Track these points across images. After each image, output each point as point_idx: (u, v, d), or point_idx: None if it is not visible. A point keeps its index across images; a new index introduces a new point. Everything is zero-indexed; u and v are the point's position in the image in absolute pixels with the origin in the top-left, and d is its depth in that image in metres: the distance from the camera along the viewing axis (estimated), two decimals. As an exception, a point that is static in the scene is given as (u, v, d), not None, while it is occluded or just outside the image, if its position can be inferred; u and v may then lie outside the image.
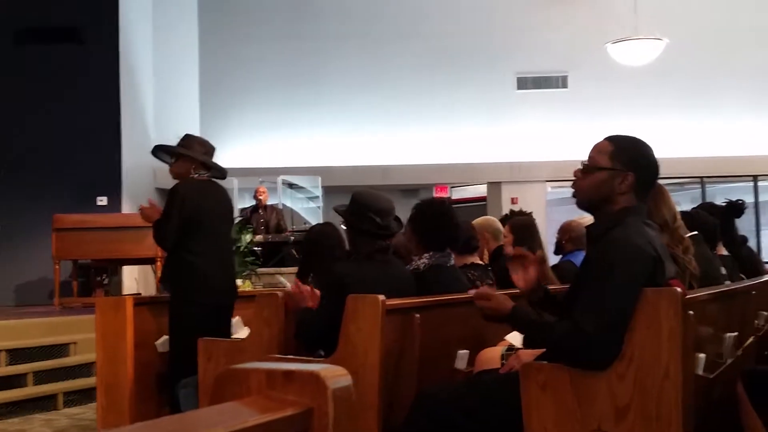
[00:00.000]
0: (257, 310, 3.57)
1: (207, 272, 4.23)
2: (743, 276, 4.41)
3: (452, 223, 3.66)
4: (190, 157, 4.35)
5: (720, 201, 5.16)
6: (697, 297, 2.58)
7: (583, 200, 2.60)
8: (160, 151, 4.51)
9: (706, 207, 5.09)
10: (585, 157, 2.61)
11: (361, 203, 3.38)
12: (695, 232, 3.70)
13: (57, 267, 8.98)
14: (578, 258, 4.32)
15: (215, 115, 12.98)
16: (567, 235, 5.14)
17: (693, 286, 3.05)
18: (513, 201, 12.43)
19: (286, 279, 5.12)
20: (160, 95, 12.17)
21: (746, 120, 13.15)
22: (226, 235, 4.63)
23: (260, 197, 10.53)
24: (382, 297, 2.92)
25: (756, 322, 3.56)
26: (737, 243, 5.00)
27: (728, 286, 3.55)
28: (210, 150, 4.46)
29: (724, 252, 4.49)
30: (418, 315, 3.03)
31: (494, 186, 13.02)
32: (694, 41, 12.82)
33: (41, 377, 6.29)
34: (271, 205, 10.83)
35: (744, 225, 5.98)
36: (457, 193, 13.74)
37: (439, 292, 3.41)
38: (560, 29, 13.07)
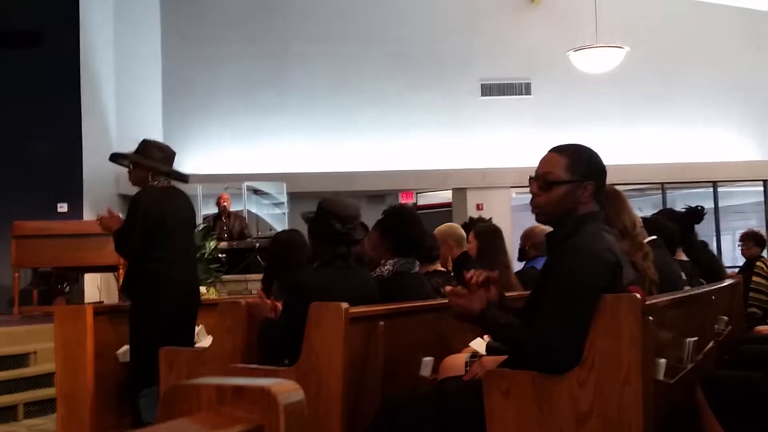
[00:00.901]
0: (220, 318, 3.53)
1: (170, 280, 4.18)
2: (703, 281, 4.48)
3: (422, 229, 3.79)
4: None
5: (680, 207, 5.23)
6: (657, 303, 2.61)
7: (546, 216, 2.58)
8: (118, 157, 4.45)
9: (667, 213, 5.16)
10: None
11: (325, 210, 3.38)
12: (654, 237, 3.75)
13: (17, 275, 8.80)
14: (541, 264, 4.33)
15: (178, 119, 12.83)
16: (530, 242, 5.16)
17: (652, 292, 3.09)
18: (478, 207, 12.48)
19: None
20: (122, 100, 12.00)
21: (706, 127, 13.38)
22: (189, 241, 4.57)
23: (224, 204, 10.45)
24: (345, 305, 2.90)
25: (716, 326, 3.61)
26: (697, 248, 5.07)
27: (688, 291, 3.60)
28: (170, 154, 4.38)
29: (684, 257, 4.55)
30: (382, 323, 3.02)
31: (459, 192, 13.06)
32: (653, 50, 13.01)
33: (0, 388, 6.15)
34: (235, 212, 10.75)
35: (704, 230, 6.07)
36: (423, 199, 13.77)
37: (403, 298, 3.41)
38: (523, 36, 13.17)
